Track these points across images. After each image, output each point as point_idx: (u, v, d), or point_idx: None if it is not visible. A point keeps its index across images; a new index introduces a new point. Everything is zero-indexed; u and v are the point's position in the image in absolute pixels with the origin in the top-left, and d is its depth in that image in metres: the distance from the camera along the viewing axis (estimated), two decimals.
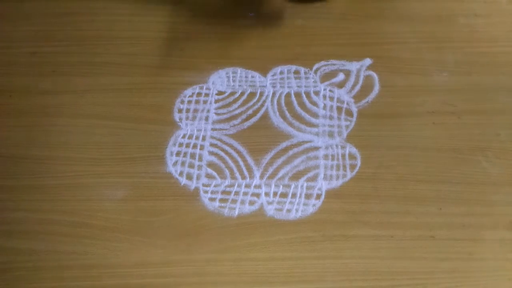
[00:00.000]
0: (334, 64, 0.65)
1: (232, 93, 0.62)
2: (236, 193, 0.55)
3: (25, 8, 0.71)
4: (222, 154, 0.57)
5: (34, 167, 0.57)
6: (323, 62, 0.65)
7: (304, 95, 0.62)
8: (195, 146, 0.58)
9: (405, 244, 0.51)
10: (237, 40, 0.67)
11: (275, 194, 0.54)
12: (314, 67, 0.64)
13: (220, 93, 0.62)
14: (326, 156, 0.57)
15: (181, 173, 0.56)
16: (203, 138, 0.59)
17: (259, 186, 0.55)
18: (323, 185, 0.55)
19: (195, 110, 0.61)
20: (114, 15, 0.70)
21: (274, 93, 0.62)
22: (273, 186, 0.55)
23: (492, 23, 0.67)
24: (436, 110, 0.60)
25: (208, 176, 0.56)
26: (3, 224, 0.53)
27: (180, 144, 0.58)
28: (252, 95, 0.62)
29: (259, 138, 0.59)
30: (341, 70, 0.64)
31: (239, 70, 0.64)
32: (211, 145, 0.58)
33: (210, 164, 0.57)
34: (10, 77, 0.65)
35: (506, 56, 0.64)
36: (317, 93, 0.62)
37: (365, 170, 0.55)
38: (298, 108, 0.61)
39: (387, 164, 0.56)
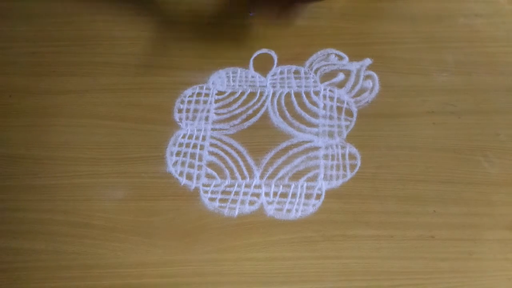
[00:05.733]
0: (334, 64, 0.65)
1: (232, 93, 0.62)
2: (236, 193, 0.55)
3: (25, 8, 0.71)
4: (222, 154, 0.57)
5: (34, 167, 0.57)
6: (323, 62, 0.65)
7: (304, 95, 0.62)
8: (195, 146, 0.58)
9: (405, 244, 0.51)
10: (237, 40, 0.67)
11: (275, 194, 0.54)
12: (314, 67, 0.64)
13: (220, 93, 0.62)
14: (326, 156, 0.57)
15: (181, 173, 0.56)
16: (203, 138, 0.59)
17: (259, 186, 0.55)
18: (323, 185, 0.55)
19: (195, 110, 0.61)
20: (114, 15, 0.70)
21: (274, 93, 0.62)
22: (273, 186, 0.55)
23: (492, 23, 0.67)
24: (436, 110, 0.60)
25: (208, 176, 0.56)
26: (3, 224, 0.54)
27: (180, 144, 0.58)
28: (252, 95, 0.62)
29: (259, 138, 0.59)
30: (341, 70, 0.64)
31: (239, 70, 0.64)
32: (211, 145, 0.58)
33: (210, 164, 0.57)
34: (10, 77, 0.65)
35: (506, 56, 0.64)
36: (317, 93, 0.62)
37: (365, 170, 0.55)
38: (298, 108, 0.61)
39: (387, 164, 0.56)
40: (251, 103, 0.61)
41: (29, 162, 0.57)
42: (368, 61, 0.64)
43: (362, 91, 0.62)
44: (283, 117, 0.60)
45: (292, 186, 0.55)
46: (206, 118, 0.60)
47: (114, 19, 0.70)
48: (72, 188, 0.55)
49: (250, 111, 0.61)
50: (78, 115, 0.61)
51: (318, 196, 0.54)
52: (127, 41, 0.67)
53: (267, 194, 0.54)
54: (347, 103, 0.61)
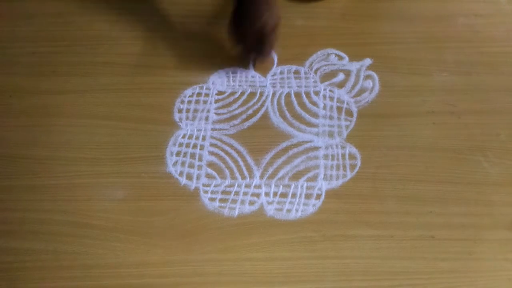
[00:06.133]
0: (334, 64, 0.65)
1: (232, 93, 0.62)
2: (236, 193, 0.55)
3: (25, 8, 0.71)
4: (222, 154, 0.57)
5: (34, 167, 0.57)
6: (323, 62, 0.65)
7: (304, 95, 0.62)
8: (195, 146, 0.58)
9: (405, 244, 0.51)
10: None
11: (275, 194, 0.54)
12: (314, 67, 0.64)
13: (220, 93, 0.62)
14: (326, 156, 0.57)
15: (181, 173, 0.56)
16: (203, 138, 0.59)
17: (259, 186, 0.55)
18: (323, 185, 0.55)
19: (195, 110, 0.61)
20: (114, 15, 0.70)
21: (274, 93, 0.62)
22: (273, 186, 0.55)
23: (492, 23, 0.67)
24: (436, 110, 0.60)
25: (208, 176, 0.56)
26: (3, 224, 0.54)
27: (180, 144, 0.58)
28: (252, 95, 0.62)
29: (259, 138, 0.59)
30: (341, 70, 0.64)
31: (239, 70, 0.64)
32: (211, 145, 0.58)
33: (210, 164, 0.57)
34: (11, 77, 0.65)
35: (506, 56, 0.64)
36: (317, 93, 0.62)
37: (365, 170, 0.55)
38: (298, 108, 0.61)
39: (387, 164, 0.56)
40: (251, 103, 0.61)
41: (30, 162, 0.57)
42: (368, 61, 0.64)
43: (362, 91, 0.62)
44: (283, 117, 0.60)
45: (292, 186, 0.55)
46: (206, 118, 0.60)
47: (114, 19, 0.70)
48: (72, 188, 0.55)
49: (250, 111, 0.61)
50: (78, 115, 0.61)
51: (318, 196, 0.54)
52: (127, 41, 0.67)
53: (267, 194, 0.54)
54: (347, 103, 0.61)
